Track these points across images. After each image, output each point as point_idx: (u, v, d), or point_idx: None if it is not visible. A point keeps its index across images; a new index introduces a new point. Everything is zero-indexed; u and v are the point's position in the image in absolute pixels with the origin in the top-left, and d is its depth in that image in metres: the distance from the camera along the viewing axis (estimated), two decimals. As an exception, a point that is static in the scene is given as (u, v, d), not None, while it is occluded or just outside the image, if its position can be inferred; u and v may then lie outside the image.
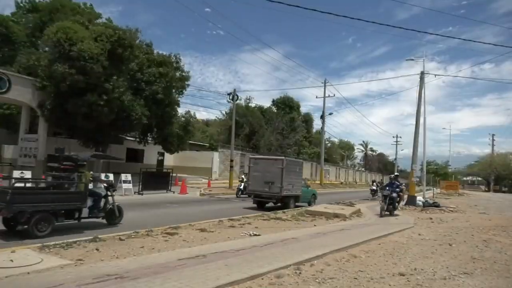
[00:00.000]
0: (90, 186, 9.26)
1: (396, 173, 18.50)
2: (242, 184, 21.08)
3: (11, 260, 5.27)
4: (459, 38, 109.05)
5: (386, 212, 14.50)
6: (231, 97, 29.65)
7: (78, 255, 5.90)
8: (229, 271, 5.39)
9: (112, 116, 20.56)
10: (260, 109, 52.17)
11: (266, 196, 15.95)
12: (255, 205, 16.60)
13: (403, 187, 15.78)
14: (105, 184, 9.76)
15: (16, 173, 14.29)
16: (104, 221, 9.46)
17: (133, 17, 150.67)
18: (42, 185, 9.75)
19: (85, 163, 9.21)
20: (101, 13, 29.21)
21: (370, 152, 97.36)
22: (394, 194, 14.84)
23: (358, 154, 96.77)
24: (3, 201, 7.18)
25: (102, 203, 9.27)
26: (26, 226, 7.42)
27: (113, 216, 9.61)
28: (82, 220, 8.65)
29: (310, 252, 6.97)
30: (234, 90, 28.81)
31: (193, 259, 6.01)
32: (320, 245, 7.70)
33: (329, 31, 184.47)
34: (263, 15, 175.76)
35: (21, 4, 29.52)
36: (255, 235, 8.75)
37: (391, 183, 15.39)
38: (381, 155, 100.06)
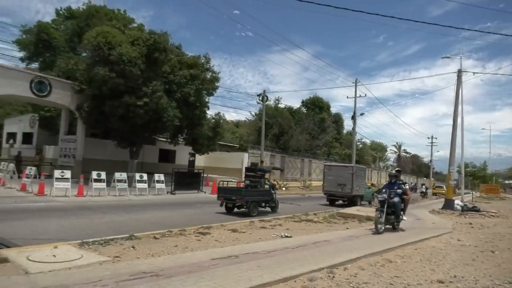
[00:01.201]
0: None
1: (397, 169, 13.88)
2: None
3: (54, 255, 5.51)
4: (499, 34, 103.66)
5: (387, 226, 10.50)
6: (260, 98, 29.75)
7: (115, 252, 6.09)
8: (261, 272, 5.38)
9: (146, 118, 21.14)
10: (290, 109, 51.89)
11: (339, 195, 19.96)
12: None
13: (406, 187, 11.39)
14: (270, 185, 14.98)
15: (57, 173, 14.95)
16: (269, 209, 14.42)
17: (163, 21, 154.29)
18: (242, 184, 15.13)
19: (269, 172, 15.29)
20: (134, 18, 30.15)
21: (404, 153, 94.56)
22: (396, 199, 10.45)
23: (391, 155, 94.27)
24: (239, 195, 12.84)
25: (270, 197, 14.46)
26: (247, 210, 12.90)
27: (276, 207, 14.63)
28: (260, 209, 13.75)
29: (343, 255, 6.84)
30: (264, 91, 28.90)
31: (225, 259, 6.04)
32: (353, 249, 7.53)
33: (358, 30, 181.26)
34: (292, 15, 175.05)
35: (60, 12, 30.93)
36: (287, 236, 8.69)
37: (391, 183, 10.90)
38: (415, 157, 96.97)
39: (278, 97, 53.42)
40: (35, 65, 29.23)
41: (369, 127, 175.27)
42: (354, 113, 41.36)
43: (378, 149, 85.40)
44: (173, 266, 5.46)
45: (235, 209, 13.42)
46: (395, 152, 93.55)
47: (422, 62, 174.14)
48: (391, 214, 10.50)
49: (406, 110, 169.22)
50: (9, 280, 4.45)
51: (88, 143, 24.40)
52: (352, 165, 22.94)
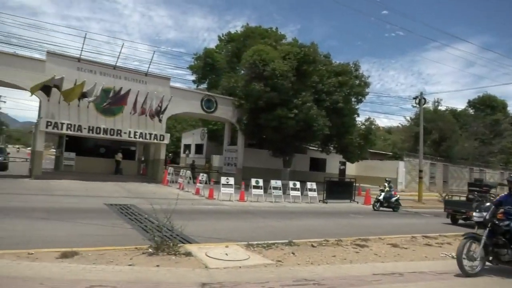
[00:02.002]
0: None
1: None
2: (382, 194, 18.10)
3: (226, 254, 6.16)
4: None
5: (490, 265, 6.47)
6: (417, 101, 27.18)
7: (277, 256, 6.41)
8: (433, 295, 4.79)
9: (297, 128, 21.99)
10: (452, 112, 45.86)
11: None
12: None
13: None
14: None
15: (223, 179, 16.88)
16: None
17: (310, 33, 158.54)
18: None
19: (495, 188, 17.69)
20: (285, 34, 31.91)
21: None
22: None
23: None
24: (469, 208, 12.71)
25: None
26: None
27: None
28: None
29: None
30: (421, 93, 26.30)
31: (388, 276, 5.65)
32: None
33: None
34: (450, 5, 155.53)
35: (222, 37, 35.28)
36: (459, 257, 7.55)
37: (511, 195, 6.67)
38: None
39: (437, 99, 47.77)
40: (203, 85, 34.06)
41: None
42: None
43: None
44: (334, 276, 5.39)
45: (460, 221, 14.58)
46: None
47: None
48: (503, 247, 6.23)
49: None
50: (194, 272, 5.16)
51: (247, 153, 26.81)
52: None
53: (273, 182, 17.76)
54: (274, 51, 22.92)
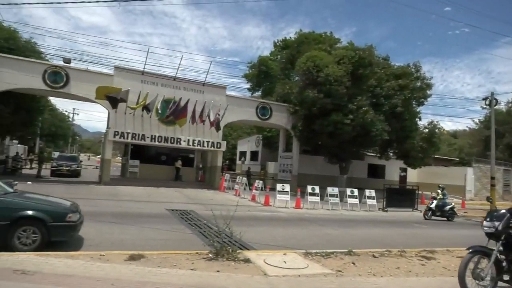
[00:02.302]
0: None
1: None
2: (434, 202, 16.63)
3: (284, 262, 6.12)
4: None
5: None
6: (487, 102, 25.16)
7: (336, 266, 6.23)
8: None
9: (353, 133, 21.39)
10: (528, 113, 41.65)
11: None
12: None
13: None
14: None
15: (279, 186, 16.86)
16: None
17: (366, 35, 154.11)
18: None
19: None
20: (340, 38, 31.31)
21: None
22: None
23: None
24: None
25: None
26: None
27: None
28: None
29: None
30: (492, 93, 24.27)
31: (460, 292, 5.21)
32: None
33: None
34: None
35: (277, 43, 35.48)
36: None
37: None
38: None
39: (511, 99, 43.80)
40: (258, 93, 34.47)
41: None
42: None
43: None
44: (399, 290, 5.11)
45: None
46: None
47: None
48: None
49: None
50: (252, 279, 5.20)
51: (302, 159, 26.57)
52: None
53: (330, 189, 17.42)
54: (328, 56, 22.59)
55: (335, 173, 25.96)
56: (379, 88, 23.22)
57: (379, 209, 18.24)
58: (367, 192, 18.22)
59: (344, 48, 24.76)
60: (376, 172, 32.85)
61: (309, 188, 16.88)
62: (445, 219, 16.45)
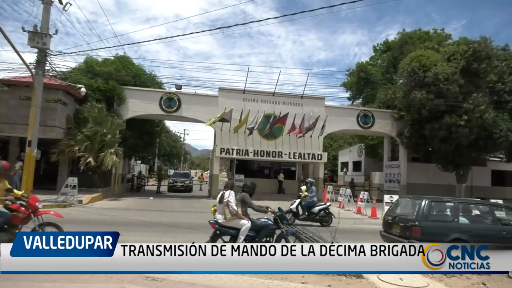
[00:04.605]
0: None
1: None
2: (296, 202, 12.84)
3: (401, 279, 5.71)
4: None
5: None
6: None
7: (463, 286, 5.59)
8: None
9: (472, 136, 19.14)
10: None
11: None
12: None
13: None
14: None
15: (386, 197, 15.87)
16: None
17: (478, 26, 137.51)
18: None
19: None
20: (451, 34, 28.60)
21: None
22: None
23: None
24: None
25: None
26: None
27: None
28: None
29: None
30: None
31: None
32: None
33: None
34: None
35: (377, 47, 33.93)
36: None
37: None
38: None
39: None
40: (358, 101, 33.30)
41: None
42: None
43: None
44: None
45: None
46: None
47: None
48: None
49: None
50: (367, 295, 4.96)
51: (410, 168, 24.65)
52: None
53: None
54: (435, 55, 20.80)
55: (451, 181, 23.38)
56: (500, 83, 20.44)
57: (511, 222, 15.79)
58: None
59: (454, 43, 22.53)
60: (502, 179, 28.56)
61: (421, 199, 15.50)
62: (318, 223, 12.38)
